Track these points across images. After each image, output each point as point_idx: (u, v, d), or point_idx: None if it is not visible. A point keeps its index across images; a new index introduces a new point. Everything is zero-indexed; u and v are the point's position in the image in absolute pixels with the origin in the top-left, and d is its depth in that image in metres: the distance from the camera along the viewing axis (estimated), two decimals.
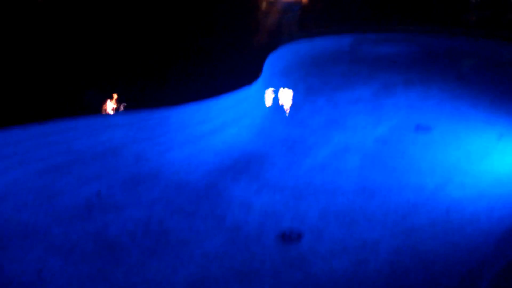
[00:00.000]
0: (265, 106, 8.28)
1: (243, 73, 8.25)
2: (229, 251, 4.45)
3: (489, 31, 11.44)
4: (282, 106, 8.39)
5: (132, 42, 9.88)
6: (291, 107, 8.26)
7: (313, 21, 11.59)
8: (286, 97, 8.74)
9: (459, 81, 9.45)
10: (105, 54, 9.07)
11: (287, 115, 7.89)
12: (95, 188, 5.40)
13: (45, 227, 4.74)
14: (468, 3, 12.29)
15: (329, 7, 12.63)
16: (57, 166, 5.73)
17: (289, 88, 9.05)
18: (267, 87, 8.72)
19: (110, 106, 6.83)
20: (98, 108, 6.78)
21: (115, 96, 7.01)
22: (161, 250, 4.44)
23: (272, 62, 9.30)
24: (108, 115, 6.63)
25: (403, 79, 9.45)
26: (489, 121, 7.39)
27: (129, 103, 6.97)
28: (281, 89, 8.94)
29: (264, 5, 11.22)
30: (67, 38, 9.45)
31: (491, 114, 7.62)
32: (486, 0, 12.13)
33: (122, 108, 6.83)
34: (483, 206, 5.24)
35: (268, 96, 8.58)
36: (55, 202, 5.13)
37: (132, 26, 10.65)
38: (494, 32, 11.41)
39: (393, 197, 5.39)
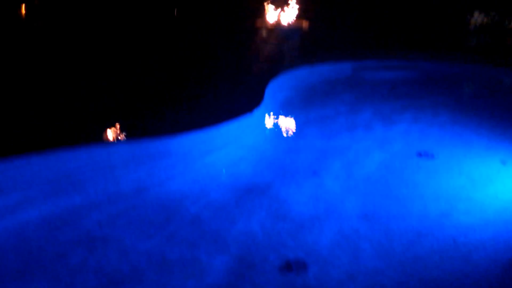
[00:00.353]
0: (267, 133, 8.29)
1: (244, 100, 8.28)
2: (233, 282, 4.39)
3: (489, 56, 11.55)
4: (283, 133, 8.40)
5: (132, 70, 9.95)
6: (292, 134, 8.27)
7: (313, 48, 11.70)
8: (287, 124, 8.77)
9: (460, 107, 9.50)
10: (106, 83, 9.11)
11: (288, 142, 7.89)
12: (96, 219, 5.34)
13: (46, 260, 4.68)
14: (467, 29, 12.43)
15: (329, 34, 12.77)
16: (57, 196, 5.68)
17: (290, 114, 9.09)
18: (268, 114, 8.75)
19: (110, 134, 6.82)
20: (98, 136, 6.77)
21: (115, 124, 7.00)
22: (164, 283, 4.37)
23: (273, 89, 9.34)
24: (109, 143, 6.61)
25: (403, 105, 9.50)
26: (492, 147, 7.40)
27: (129, 131, 6.96)
28: (283, 116, 8.98)
29: (264, 32, 11.35)
30: (67, 69, 9.51)
31: (493, 140, 7.64)
32: (485, 26, 12.26)
33: (122, 136, 6.82)
34: (489, 233, 5.19)
35: (270, 123, 8.61)
36: (56, 233, 5.06)
37: (132, 55, 10.76)
38: (494, 57, 11.51)
39: (398, 224, 5.34)
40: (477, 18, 12.28)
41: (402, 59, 11.76)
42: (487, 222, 5.41)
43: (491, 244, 4.98)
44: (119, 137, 6.81)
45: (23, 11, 12.27)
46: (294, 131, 8.42)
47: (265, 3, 11.31)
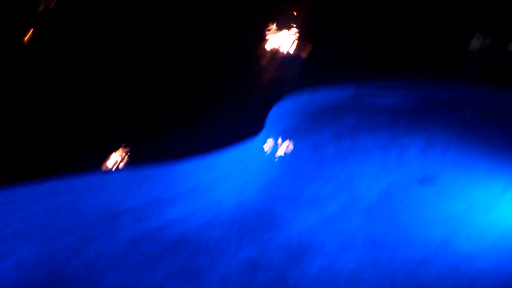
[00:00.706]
0: (269, 159, 8.30)
1: (247, 125, 8.30)
2: None
3: (488, 80, 11.64)
4: (285, 158, 8.43)
5: (134, 96, 9.99)
6: (294, 160, 8.28)
7: (314, 74, 11.80)
8: (289, 149, 8.80)
9: (461, 131, 9.52)
10: (107, 111, 9.15)
11: (290, 168, 7.89)
12: (96, 248, 5.34)
13: None
14: (466, 53, 12.53)
15: (330, 60, 12.88)
16: (58, 226, 5.70)
17: (293, 140, 9.10)
18: (270, 140, 8.77)
19: (112, 162, 6.86)
20: (100, 164, 6.81)
21: (117, 152, 7.03)
22: None
23: (275, 115, 9.38)
24: (110, 171, 6.64)
25: (404, 130, 9.52)
26: (493, 171, 7.42)
27: (132, 157, 6.99)
28: (285, 141, 9.00)
29: (266, 59, 11.47)
30: (67, 96, 9.56)
31: (494, 164, 7.66)
32: (484, 50, 12.38)
33: (124, 163, 6.85)
34: (492, 260, 5.20)
35: (272, 149, 8.63)
36: (55, 265, 5.07)
37: (134, 80, 10.82)
38: (493, 81, 11.60)
39: (400, 252, 5.36)
40: (476, 42, 12.40)
41: (403, 83, 11.85)
42: (489, 248, 5.43)
43: (494, 272, 4.99)
44: (118, 164, 6.84)
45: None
46: (295, 156, 8.45)
47: (267, 29, 11.45)
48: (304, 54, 11.31)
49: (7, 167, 6.43)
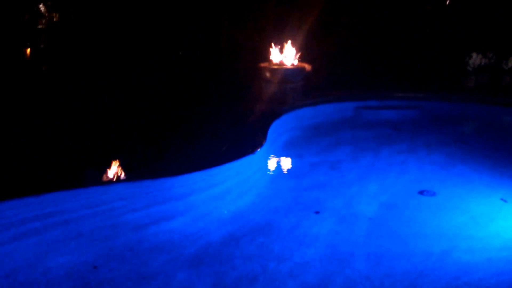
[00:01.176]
0: (269, 174, 8.34)
1: (247, 141, 8.32)
2: None
3: (488, 96, 11.74)
4: (286, 174, 8.48)
5: (132, 110, 10.05)
6: (295, 175, 8.32)
7: (316, 89, 11.90)
8: (290, 164, 8.85)
9: (460, 146, 9.60)
10: (105, 124, 9.20)
11: (291, 183, 7.91)
12: (91, 262, 5.34)
13: None
14: (466, 69, 12.66)
15: (332, 76, 13.01)
16: (53, 239, 5.71)
17: (294, 155, 9.16)
18: (271, 155, 8.81)
19: (109, 176, 6.87)
20: (97, 178, 6.80)
21: (114, 166, 7.02)
22: None
23: (276, 130, 9.43)
24: (107, 185, 6.64)
25: (404, 145, 9.60)
26: (492, 185, 7.47)
27: (129, 172, 6.99)
28: (285, 157, 9.06)
29: (267, 74, 11.55)
30: (65, 110, 9.63)
31: (494, 178, 7.71)
32: (483, 67, 12.50)
33: (121, 178, 6.85)
34: (491, 271, 5.23)
35: (272, 164, 8.68)
36: (50, 277, 5.06)
37: (132, 94, 10.91)
38: (493, 96, 11.70)
39: (400, 264, 5.37)
40: (475, 59, 12.53)
41: (402, 99, 11.96)
42: (489, 260, 5.45)
43: (493, 283, 5.01)
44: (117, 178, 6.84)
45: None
46: (296, 172, 8.50)
47: (269, 44, 11.59)
48: (306, 68, 11.40)
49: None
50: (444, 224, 6.33)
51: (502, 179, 7.69)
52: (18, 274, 5.06)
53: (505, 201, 6.88)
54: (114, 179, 6.77)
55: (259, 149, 7.95)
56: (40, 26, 13.52)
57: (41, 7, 13.37)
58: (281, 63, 11.48)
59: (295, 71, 11.46)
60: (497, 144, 9.62)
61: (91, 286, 4.91)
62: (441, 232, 6.10)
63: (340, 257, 5.53)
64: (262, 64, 11.63)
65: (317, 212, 6.66)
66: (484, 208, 6.74)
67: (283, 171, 8.60)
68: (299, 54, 11.38)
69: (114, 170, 6.90)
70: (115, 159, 7.08)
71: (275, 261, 5.42)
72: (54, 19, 13.55)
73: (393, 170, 8.33)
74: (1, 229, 5.52)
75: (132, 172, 6.93)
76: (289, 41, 11.50)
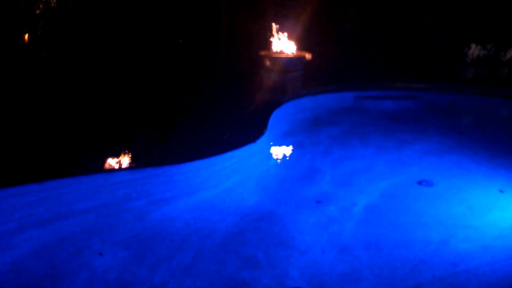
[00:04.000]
0: (270, 163, 8.41)
1: (248, 130, 8.37)
2: None
3: (486, 87, 11.81)
4: (287, 162, 8.55)
5: (135, 98, 10.07)
6: (296, 164, 8.40)
7: (316, 78, 11.95)
8: (291, 153, 8.92)
9: (459, 135, 9.69)
10: (107, 111, 9.23)
11: (292, 172, 8.00)
12: (96, 249, 5.42)
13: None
14: (464, 61, 12.71)
15: (332, 66, 13.05)
16: (57, 227, 5.75)
17: (294, 144, 9.22)
18: (272, 144, 8.88)
19: (112, 163, 6.91)
20: (100, 166, 6.84)
21: (117, 153, 7.06)
22: None
23: (277, 119, 9.49)
24: (110, 172, 6.68)
25: (403, 135, 9.68)
26: (490, 176, 7.58)
27: (131, 160, 7.04)
28: (286, 146, 9.12)
29: (268, 62, 11.60)
30: (67, 98, 9.64)
31: (491, 169, 7.82)
32: (482, 58, 12.55)
33: (124, 165, 6.91)
34: (488, 259, 5.35)
35: (273, 153, 8.75)
36: (55, 266, 5.12)
37: (134, 82, 10.91)
38: (491, 88, 11.78)
39: (400, 252, 5.48)
40: (474, 50, 12.59)
41: (402, 89, 12.03)
42: (485, 248, 5.56)
43: (490, 270, 5.12)
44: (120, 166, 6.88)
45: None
46: (297, 161, 8.56)
47: (269, 33, 11.60)
48: (307, 57, 11.45)
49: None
50: (442, 213, 6.44)
51: (500, 170, 7.80)
52: (24, 262, 5.13)
53: (501, 192, 6.98)
54: (117, 167, 6.83)
55: (259, 138, 8.01)
56: (37, 11, 13.39)
57: None
58: (281, 52, 11.51)
59: (295, 59, 11.50)
60: (495, 136, 9.73)
61: (96, 275, 4.99)
62: (440, 221, 6.22)
63: (340, 244, 5.63)
64: (263, 52, 11.66)
65: (318, 202, 6.75)
66: (482, 198, 6.86)
67: (283, 160, 8.67)
68: (299, 43, 11.41)
69: (116, 158, 6.95)
70: (117, 148, 7.14)
71: (277, 249, 5.52)
72: (52, 4, 13.41)
73: (392, 160, 8.42)
74: (2, 215, 5.57)
75: (135, 160, 6.99)
76: (290, 30, 11.53)
